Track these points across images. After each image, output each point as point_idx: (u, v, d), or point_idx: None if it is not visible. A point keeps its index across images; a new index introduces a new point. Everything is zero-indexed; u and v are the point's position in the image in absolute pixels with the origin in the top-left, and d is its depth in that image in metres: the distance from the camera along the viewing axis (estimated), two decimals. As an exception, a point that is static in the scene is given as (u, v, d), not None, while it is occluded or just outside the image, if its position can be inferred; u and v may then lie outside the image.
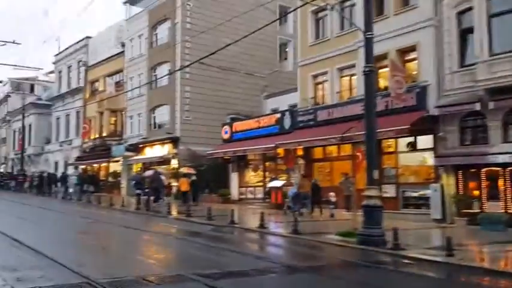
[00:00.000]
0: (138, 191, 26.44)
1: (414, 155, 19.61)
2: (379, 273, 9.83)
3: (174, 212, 21.09)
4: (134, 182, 26.89)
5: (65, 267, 8.90)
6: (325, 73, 23.76)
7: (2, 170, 58.96)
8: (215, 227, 16.59)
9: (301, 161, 24.00)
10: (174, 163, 33.01)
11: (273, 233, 15.22)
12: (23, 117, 48.53)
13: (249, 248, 13.28)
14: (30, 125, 53.38)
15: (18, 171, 49.41)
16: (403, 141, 19.51)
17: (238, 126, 27.93)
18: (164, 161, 33.58)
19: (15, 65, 24.08)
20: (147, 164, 35.17)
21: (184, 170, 28.76)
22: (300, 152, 23.90)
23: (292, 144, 23.21)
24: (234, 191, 27.90)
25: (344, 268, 10.41)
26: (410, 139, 19.12)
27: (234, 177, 28.12)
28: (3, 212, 22.17)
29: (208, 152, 28.30)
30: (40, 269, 8.81)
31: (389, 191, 19.42)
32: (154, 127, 36.13)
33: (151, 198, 23.56)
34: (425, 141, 18.84)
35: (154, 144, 35.20)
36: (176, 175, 32.02)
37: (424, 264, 10.30)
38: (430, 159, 18.67)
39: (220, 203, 26.30)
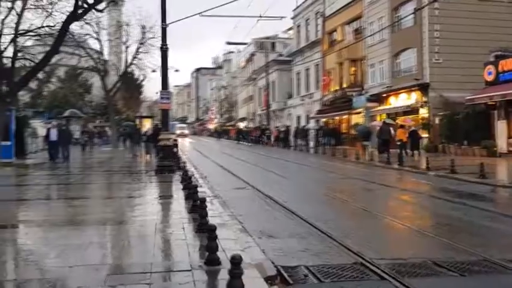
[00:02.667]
0: (365, 143, 27.28)
1: None
2: None
3: (432, 167, 18.13)
4: (361, 133, 28.12)
5: (327, 236, 7.30)
6: None
7: (251, 126, 63.60)
8: (493, 188, 13.30)
9: None
10: (423, 112, 29.62)
11: None
12: (267, 74, 50.50)
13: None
14: (273, 82, 55.77)
15: (261, 126, 52.24)
16: None
17: (507, 64, 22.95)
18: (411, 110, 30.42)
19: (260, 16, 24.03)
20: (392, 115, 32.52)
21: (400, 121, 27.73)
22: None
23: None
24: (502, 142, 23.31)
25: None
26: None
27: (500, 127, 23.46)
28: (255, 165, 22.54)
29: (467, 98, 24.15)
30: (300, 237, 7.37)
31: None
32: (399, 74, 32.94)
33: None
34: None
35: (399, 93, 32.19)
36: (426, 126, 29.06)
37: None
38: None
39: (483, 156, 22.22)
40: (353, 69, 38.87)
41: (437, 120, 28.49)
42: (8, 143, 19.97)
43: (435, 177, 16.12)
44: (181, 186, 12.46)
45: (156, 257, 5.81)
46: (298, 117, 50.45)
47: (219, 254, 5.52)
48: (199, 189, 11.28)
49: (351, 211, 10.01)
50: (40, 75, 36.59)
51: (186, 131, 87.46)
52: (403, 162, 19.99)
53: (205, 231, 7.06)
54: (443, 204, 10.90)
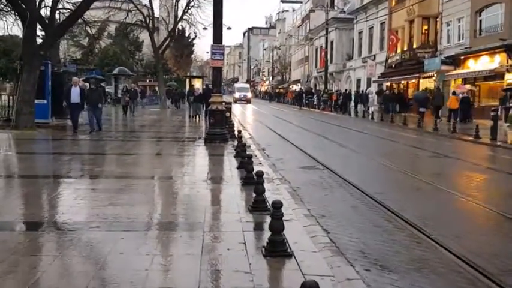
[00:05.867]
0: (422, 109, 26.11)
1: None
2: None
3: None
4: (418, 99, 27.46)
5: (477, 271, 4.48)
6: None
7: (302, 88, 60.02)
8: None
9: None
10: (509, 78, 25.62)
11: None
12: (327, 32, 46.67)
13: None
14: (331, 42, 51.88)
15: (307, 89, 48.75)
16: None
17: None
18: (495, 75, 26.51)
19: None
20: (471, 80, 28.68)
21: (453, 88, 27.19)
22: None
23: None
24: None
25: None
26: None
27: None
28: (318, 135, 19.69)
29: None
30: (432, 271, 4.56)
31: None
32: (480, 33, 28.80)
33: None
34: None
35: (480, 55, 28.14)
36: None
37: None
38: None
39: None
40: (425, 27, 34.67)
41: (526, 88, 24.62)
42: (44, 101, 17.90)
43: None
44: (235, 163, 9.93)
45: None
46: (358, 81, 46.79)
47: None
48: (257, 167, 8.69)
49: (484, 216, 7.04)
50: (90, 30, 34.72)
51: (249, 95, 59.39)
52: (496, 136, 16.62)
53: (281, 255, 4.50)
54: None
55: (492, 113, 17.58)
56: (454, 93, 26.21)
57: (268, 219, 5.63)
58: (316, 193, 8.00)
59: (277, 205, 4.63)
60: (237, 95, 56.72)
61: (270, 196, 6.54)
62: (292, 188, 8.17)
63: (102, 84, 27.00)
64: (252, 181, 7.57)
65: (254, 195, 6.32)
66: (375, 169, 11.26)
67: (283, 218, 4.71)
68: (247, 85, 69.59)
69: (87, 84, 18.88)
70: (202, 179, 8.44)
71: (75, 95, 16.04)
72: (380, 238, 5.54)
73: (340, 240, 5.35)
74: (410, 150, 15.17)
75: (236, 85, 67.71)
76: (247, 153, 9.44)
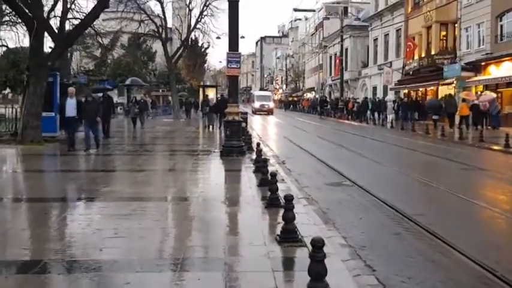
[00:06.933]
0: (434, 117, 26.78)
1: None
2: None
3: None
4: (432, 106, 28.25)
5: None
6: None
7: (317, 96, 59.05)
8: None
9: None
10: (537, 84, 24.55)
11: None
12: (341, 39, 45.82)
13: None
14: (346, 49, 50.98)
15: (322, 97, 47.81)
16: None
17: None
18: (520, 82, 25.42)
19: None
20: (492, 87, 27.57)
21: (463, 95, 27.19)
22: None
23: None
24: None
25: None
26: None
27: None
28: (339, 145, 18.74)
29: None
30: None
31: None
32: (502, 39, 27.72)
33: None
34: None
35: (501, 61, 27.07)
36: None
37: None
38: None
39: None
40: (443, 33, 33.60)
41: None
42: (52, 114, 17.16)
43: None
44: (255, 180, 9.08)
45: None
46: (374, 88, 45.74)
47: None
48: (280, 184, 7.81)
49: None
50: (103, 41, 34.25)
51: (271, 104, 50.59)
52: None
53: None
54: None
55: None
56: (464, 100, 25.81)
57: (300, 253, 4.81)
58: (349, 216, 7.08)
59: (319, 244, 3.72)
60: (256, 104, 49.33)
61: (297, 221, 5.63)
62: (321, 210, 7.27)
63: (110, 94, 25.97)
64: (277, 203, 6.75)
65: (282, 222, 5.44)
66: (407, 184, 10.28)
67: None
68: (269, 93, 59.95)
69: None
70: (221, 199, 7.58)
71: (70, 107, 14.13)
72: (437, 277, 4.61)
73: (390, 281, 4.43)
74: (441, 163, 14.11)
75: (255, 93, 59.04)
76: (270, 169, 8.61)
